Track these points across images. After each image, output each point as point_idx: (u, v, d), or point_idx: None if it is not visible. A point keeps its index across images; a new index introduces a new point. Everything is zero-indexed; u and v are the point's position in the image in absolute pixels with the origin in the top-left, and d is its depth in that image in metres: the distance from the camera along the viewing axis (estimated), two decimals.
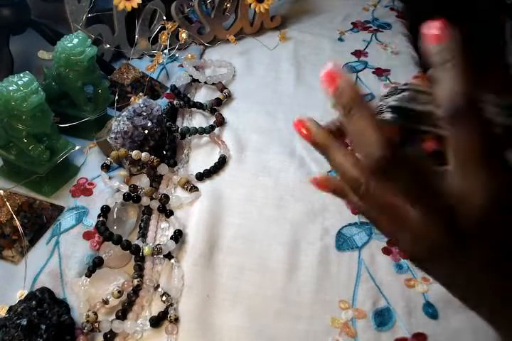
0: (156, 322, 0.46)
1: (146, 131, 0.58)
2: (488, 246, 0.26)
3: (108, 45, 0.73)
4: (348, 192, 0.31)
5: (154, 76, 0.73)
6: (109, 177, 0.57)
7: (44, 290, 0.45)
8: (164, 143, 0.61)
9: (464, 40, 0.25)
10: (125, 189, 0.55)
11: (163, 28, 0.73)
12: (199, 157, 0.63)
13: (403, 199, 0.26)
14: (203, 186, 0.59)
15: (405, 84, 0.30)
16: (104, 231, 0.50)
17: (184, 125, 0.67)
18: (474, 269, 0.27)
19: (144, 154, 0.57)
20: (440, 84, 0.25)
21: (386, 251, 0.53)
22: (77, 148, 0.57)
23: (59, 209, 0.55)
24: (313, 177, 0.32)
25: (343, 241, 0.53)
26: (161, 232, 0.54)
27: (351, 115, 0.26)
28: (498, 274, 0.26)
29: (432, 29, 0.25)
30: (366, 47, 0.84)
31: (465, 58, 0.25)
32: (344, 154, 0.28)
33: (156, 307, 0.47)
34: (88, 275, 0.47)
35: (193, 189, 0.58)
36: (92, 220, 0.53)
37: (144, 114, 0.58)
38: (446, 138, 0.25)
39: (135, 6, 0.72)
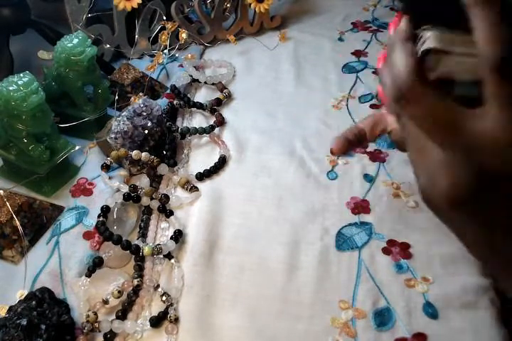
0: (156, 322, 0.46)
1: (146, 131, 0.58)
2: (509, 187, 0.25)
3: (108, 45, 0.73)
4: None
5: (154, 76, 0.73)
6: (109, 177, 0.57)
7: (44, 290, 0.45)
8: (164, 143, 0.61)
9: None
10: (125, 189, 0.55)
11: (163, 28, 0.73)
12: (199, 157, 0.63)
13: (424, 132, 0.26)
14: (203, 186, 0.59)
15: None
16: (104, 231, 0.50)
17: (184, 125, 0.67)
18: (493, 213, 0.26)
19: (144, 154, 0.57)
20: (481, 28, 0.24)
21: (386, 251, 0.53)
22: (77, 148, 0.57)
23: (59, 209, 0.55)
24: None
25: (343, 241, 0.53)
26: (161, 232, 0.54)
27: (393, 48, 0.28)
28: None
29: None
30: (366, 47, 0.84)
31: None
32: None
33: (156, 307, 0.47)
34: (88, 276, 0.47)
35: (193, 189, 0.58)
36: (92, 220, 0.53)
37: (144, 114, 0.58)
38: (487, 83, 0.24)
39: (135, 6, 0.72)
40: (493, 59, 0.24)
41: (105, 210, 0.53)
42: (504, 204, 0.26)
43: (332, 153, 0.43)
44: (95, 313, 0.45)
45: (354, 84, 0.75)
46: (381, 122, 0.43)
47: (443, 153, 0.26)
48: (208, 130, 0.65)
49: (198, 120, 0.68)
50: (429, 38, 0.27)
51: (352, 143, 0.42)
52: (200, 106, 0.68)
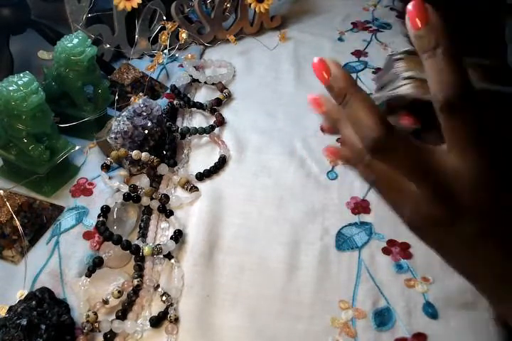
0: (156, 322, 0.46)
1: (146, 131, 0.58)
2: (479, 216, 0.27)
3: (108, 45, 0.73)
4: (357, 162, 0.32)
5: (154, 76, 0.73)
6: (109, 177, 0.57)
7: (44, 290, 0.45)
8: (164, 143, 0.61)
9: (451, 28, 0.25)
10: (125, 189, 0.55)
11: (163, 28, 0.73)
12: (199, 157, 0.63)
13: (401, 174, 0.28)
14: (203, 186, 0.59)
15: (395, 54, 0.31)
16: (104, 231, 0.50)
17: (184, 125, 0.67)
18: (465, 237, 0.28)
19: (144, 154, 0.57)
20: (429, 73, 0.26)
21: (386, 251, 0.53)
22: (77, 148, 0.57)
23: (59, 209, 0.55)
24: (326, 147, 0.33)
25: (343, 241, 0.53)
26: (161, 232, 0.54)
27: (346, 101, 0.28)
28: (485, 242, 0.28)
29: (412, 13, 0.25)
30: (366, 47, 0.84)
31: (452, 46, 0.25)
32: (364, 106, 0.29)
33: (156, 307, 0.47)
34: (88, 276, 0.47)
35: (193, 189, 0.58)
36: (92, 220, 0.53)
37: (144, 114, 0.58)
38: (440, 121, 0.26)
39: (135, 6, 0.72)
40: (440, 101, 0.26)
41: (105, 210, 0.53)
42: (472, 231, 0.28)
43: (322, 130, 0.44)
44: (95, 313, 0.45)
45: None
46: None
47: (416, 190, 0.28)
48: (208, 130, 0.65)
49: (198, 120, 0.68)
50: (403, 86, 0.29)
51: None
52: (200, 106, 0.68)
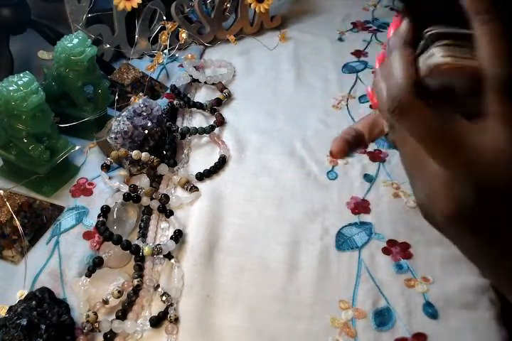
0: (156, 322, 0.46)
1: (146, 131, 0.58)
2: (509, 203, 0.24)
3: (108, 45, 0.73)
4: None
5: (154, 76, 0.73)
6: (109, 177, 0.57)
7: (44, 290, 0.45)
8: (164, 143, 0.61)
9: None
10: (125, 189, 0.55)
11: (163, 28, 0.73)
12: (199, 157, 0.63)
13: (421, 147, 0.25)
14: (203, 186, 0.59)
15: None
16: (104, 231, 0.50)
17: (184, 125, 0.67)
18: (495, 229, 0.25)
19: (144, 154, 0.57)
20: (483, 44, 0.23)
21: (386, 251, 0.53)
22: (77, 148, 0.57)
23: (59, 209, 0.55)
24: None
25: (343, 241, 0.53)
26: (161, 232, 0.54)
27: (390, 50, 0.27)
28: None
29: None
30: (366, 47, 0.84)
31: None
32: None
33: (156, 307, 0.47)
34: (88, 276, 0.47)
35: (193, 189, 0.58)
36: (92, 220, 0.53)
37: (144, 114, 0.58)
38: (491, 104, 0.23)
39: (135, 6, 0.72)
40: (498, 79, 0.23)
41: (105, 210, 0.53)
42: (505, 221, 0.25)
43: (332, 155, 0.42)
44: (95, 313, 0.45)
45: (354, 84, 0.75)
46: (378, 123, 0.42)
47: (442, 170, 0.25)
48: (208, 130, 0.65)
49: (198, 120, 0.68)
50: (437, 53, 0.25)
51: (351, 145, 0.42)
52: (200, 106, 0.68)
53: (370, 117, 0.43)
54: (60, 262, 0.50)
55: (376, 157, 0.63)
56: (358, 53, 0.82)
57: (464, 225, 0.26)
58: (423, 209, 0.28)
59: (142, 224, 0.54)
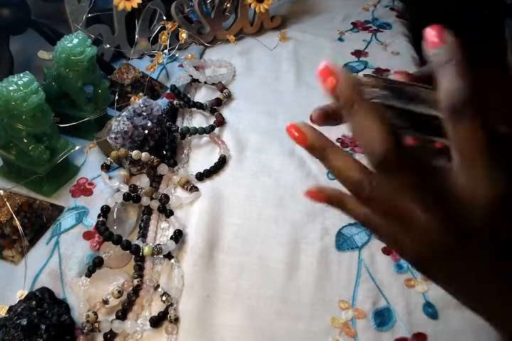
0: (156, 322, 0.46)
1: (146, 131, 0.58)
2: (492, 245, 0.25)
3: (108, 45, 0.73)
4: (346, 202, 0.30)
5: (154, 76, 0.73)
6: (109, 177, 0.57)
7: (44, 290, 0.45)
8: (164, 143, 0.61)
9: (464, 43, 0.25)
10: (125, 189, 0.55)
11: (163, 28, 0.73)
12: (199, 157, 0.63)
13: (407, 198, 0.26)
14: (203, 186, 0.59)
15: (391, 81, 0.28)
16: (104, 231, 0.50)
17: (184, 125, 0.67)
18: (477, 269, 0.26)
19: (143, 154, 0.57)
20: (440, 84, 0.25)
21: (386, 251, 0.52)
22: (77, 148, 0.57)
23: (59, 209, 0.55)
24: (307, 190, 0.31)
25: (343, 241, 0.53)
26: (161, 232, 0.54)
27: (354, 111, 0.26)
28: (499, 274, 0.26)
29: (431, 35, 0.25)
30: (366, 47, 0.84)
31: (464, 58, 0.25)
32: (343, 155, 0.28)
33: (156, 307, 0.47)
34: (88, 276, 0.47)
35: (193, 189, 0.58)
36: (92, 220, 0.53)
37: (144, 114, 0.58)
38: (449, 136, 0.25)
39: (135, 6, 0.72)
40: (450, 109, 0.24)
41: (105, 210, 0.53)
42: (481, 257, 0.26)
43: (311, 120, 0.42)
44: (95, 313, 0.45)
45: None
46: None
47: (423, 215, 0.26)
48: (208, 130, 0.65)
49: (198, 120, 0.68)
50: None
51: (329, 115, 0.42)
52: (200, 106, 0.68)
53: None
54: (60, 262, 0.50)
55: None
56: (358, 53, 0.82)
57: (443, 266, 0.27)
58: (414, 258, 0.28)
59: (142, 224, 0.54)
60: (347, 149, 0.63)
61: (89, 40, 0.58)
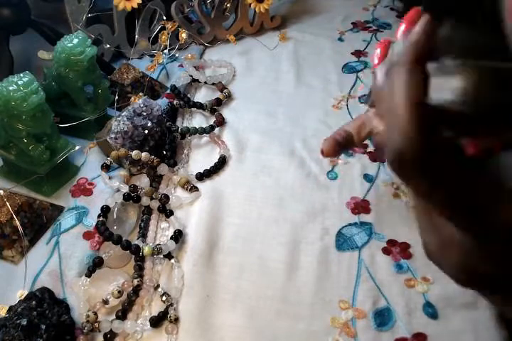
0: (156, 322, 0.46)
1: (146, 131, 0.58)
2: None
3: (108, 45, 0.73)
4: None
5: (154, 76, 0.73)
6: (109, 177, 0.57)
7: (44, 290, 0.45)
8: (164, 143, 0.61)
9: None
10: (125, 189, 0.55)
11: (163, 28, 0.73)
12: (199, 157, 0.63)
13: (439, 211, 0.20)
14: (203, 186, 0.59)
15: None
16: (104, 231, 0.50)
17: (184, 125, 0.67)
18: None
19: (143, 154, 0.57)
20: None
21: (386, 251, 0.53)
22: (77, 148, 0.57)
23: (59, 209, 0.55)
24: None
25: (343, 241, 0.53)
26: (161, 232, 0.54)
27: (391, 73, 0.19)
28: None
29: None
30: (366, 47, 0.84)
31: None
32: None
33: (156, 307, 0.47)
34: (88, 276, 0.47)
35: (193, 189, 0.58)
36: (92, 220, 0.53)
37: (144, 114, 0.58)
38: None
39: (135, 6, 0.72)
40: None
41: (105, 210, 0.53)
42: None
43: (322, 154, 0.42)
44: (95, 313, 0.45)
45: (354, 84, 0.75)
46: (367, 125, 0.42)
47: (462, 236, 0.20)
48: (208, 130, 0.65)
49: (198, 120, 0.68)
50: (457, 89, 0.19)
51: (341, 145, 0.42)
52: (200, 106, 0.68)
53: (360, 119, 0.43)
54: (60, 262, 0.50)
55: (376, 157, 0.63)
56: (358, 53, 0.82)
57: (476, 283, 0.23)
58: (434, 259, 0.24)
59: (142, 224, 0.54)
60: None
61: (89, 40, 0.58)
